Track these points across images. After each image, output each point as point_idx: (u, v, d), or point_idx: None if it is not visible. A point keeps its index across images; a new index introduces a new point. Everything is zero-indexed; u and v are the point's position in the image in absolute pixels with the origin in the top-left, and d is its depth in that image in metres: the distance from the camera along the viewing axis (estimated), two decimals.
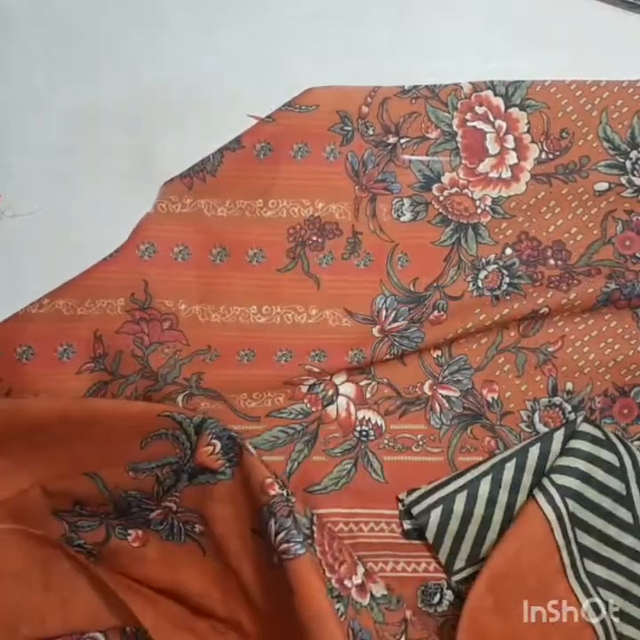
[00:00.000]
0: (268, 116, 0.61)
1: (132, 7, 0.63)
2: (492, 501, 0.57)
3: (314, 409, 0.61)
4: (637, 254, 0.62)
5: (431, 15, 0.63)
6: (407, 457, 0.61)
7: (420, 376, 0.62)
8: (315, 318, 0.61)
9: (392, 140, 0.62)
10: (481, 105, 0.62)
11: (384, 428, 0.61)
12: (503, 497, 0.57)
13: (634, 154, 0.61)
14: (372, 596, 0.54)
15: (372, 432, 0.61)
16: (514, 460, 0.58)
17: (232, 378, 0.61)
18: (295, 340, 0.61)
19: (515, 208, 0.62)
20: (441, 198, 0.62)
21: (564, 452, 0.57)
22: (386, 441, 0.61)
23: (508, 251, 0.62)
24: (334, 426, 0.61)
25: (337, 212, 0.62)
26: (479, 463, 0.59)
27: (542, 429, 0.61)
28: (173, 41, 0.63)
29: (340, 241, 0.62)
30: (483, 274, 0.62)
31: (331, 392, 0.61)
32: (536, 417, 0.62)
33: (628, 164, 0.61)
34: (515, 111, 0.62)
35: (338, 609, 0.50)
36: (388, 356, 0.61)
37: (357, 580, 0.54)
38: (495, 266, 0.62)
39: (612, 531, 0.55)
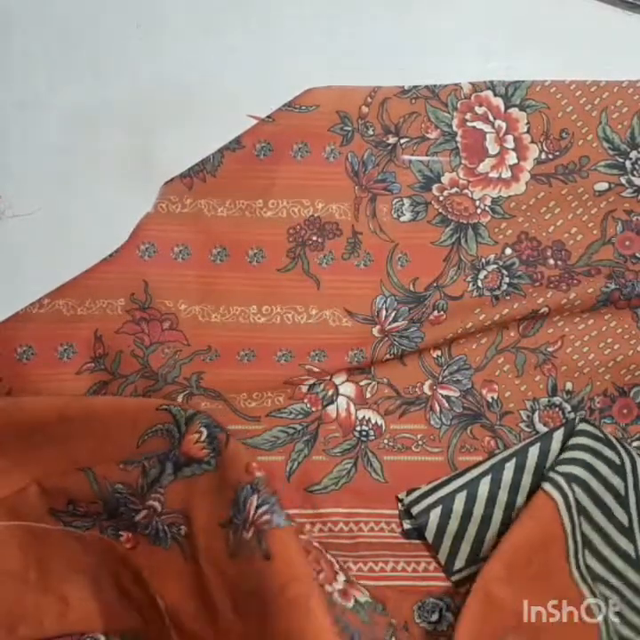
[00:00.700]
0: (267, 116, 0.61)
1: (131, 7, 0.63)
2: (491, 501, 0.57)
3: (314, 409, 0.61)
4: (637, 254, 0.62)
5: (431, 15, 0.63)
6: (407, 457, 0.61)
7: (420, 376, 0.62)
8: (315, 318, 0.62)
9: (392, 140, 0.62)
10: (481, 105, 0.62)
11: (384, 427, 0.61)
12: (503, 497, 0.57)
13: (634, 154, 0.61)
14: (356, 600, 0.52)
15: (371, 432, 0.61)
16: (513, 460, 0.58)
17: (232, 378, 0.61)
18: (295, 339, 0.61)
19: (514, 208, 0.62)
20: (441, 198, 0.62)
21: (567, 447, 0.56)
22: (386, 441, 0.61)
23: (508, 251, 0.62)
24: (334, 426, 0.61)
25: (337, 212, 0.62)
26: (479, 463, 0.59)
27: (542, 429, 0.61)
28: (173, 41, 0.63)
29: (339, 241, 0.62)
30: (482, 274, 0.62)
31: (331, 392, 0.61)
32: (536, 417, 0.62)
33: (628, 164, 0.61)
34: (514, 111, 0.62)
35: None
36: (387, 356, 0.61)
37: (338, 585, 0.53)
38: (495, 266, 0.62)
39: (611, 530, 0.55)
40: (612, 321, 0.62)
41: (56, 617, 0.54)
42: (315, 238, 0.62)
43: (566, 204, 0.62)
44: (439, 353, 0.62)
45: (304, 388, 0.61)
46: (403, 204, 0.62)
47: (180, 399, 0.60)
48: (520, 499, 0.57)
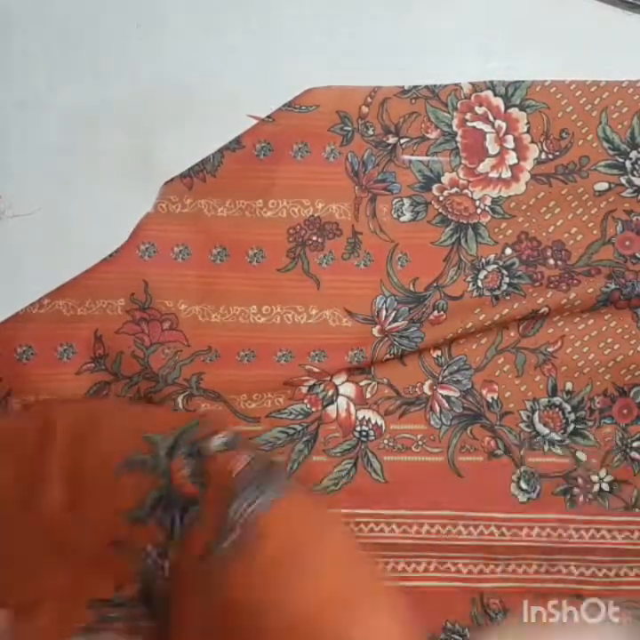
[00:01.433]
0: (267, 116, 0.61)
1: (131, 7, 0.63)
2: None
3: (314, 409, 0.61)
4: (637, 254, 0.62)
5: (431, 15, 0.63)
6: (407, 457, 0.61)
7: (420, 376, 0.62)
8: (315, 318, 0.62)
9: (392, 140, 0.62)
10: (481, 105, 0.62)
11: (384, 428, 0.61)
12: None
13: (633, 154, 0.61)
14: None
15: (371, 432, 0.61)
16: None
17: (232, 378, 0.61)
18: (295, 340, 0.61)
19: (514, 208, 0.62)
20: (441, 198, 0.62)
21: None
22: (386, 441, 0.61)
23: (508, 251, 0.62)
24: (334, 426, 0.61)
25: (337, 212, 0.62)
26: None
27: (542, 429, 0.61)
28: (173, 41, 0.63)
29: (340, 241, 0.62)
30: (482, 274, 0.62)
31: (331, 392, 0.61)
32: (536, 417, 0.62)
33: (628, 164, 0.61)
34: (514, 111, 0.62)
35: None
36: (387, 356, 0.61)
37: None
38: (495, 266, 0.62)
39: None
40: (612, 321, 0.62)
41: None
42: (315, 238, 0.62)
43: (566, 203, 0.62)
44: (439, 353, 0.62)
45: (304, 389, 0.61)
46: (403, 204, 0.62)
47: (179, 400, 0.60)
48: None
